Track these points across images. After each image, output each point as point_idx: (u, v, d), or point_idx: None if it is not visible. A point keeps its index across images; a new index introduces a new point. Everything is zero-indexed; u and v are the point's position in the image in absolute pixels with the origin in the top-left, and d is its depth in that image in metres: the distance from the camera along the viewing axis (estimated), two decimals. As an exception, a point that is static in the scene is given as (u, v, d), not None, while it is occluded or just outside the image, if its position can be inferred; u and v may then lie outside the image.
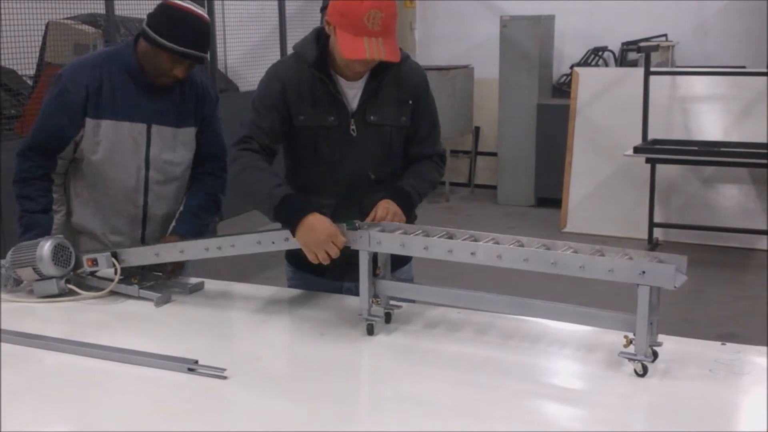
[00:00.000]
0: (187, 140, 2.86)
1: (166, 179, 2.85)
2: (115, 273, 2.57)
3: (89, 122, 2.73)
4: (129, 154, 2.77)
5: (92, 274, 2.63)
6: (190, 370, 2.01)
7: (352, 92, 2.49)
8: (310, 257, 2.26)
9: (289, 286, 2.71)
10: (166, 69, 2.69)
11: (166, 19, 2.66)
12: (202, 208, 2.90)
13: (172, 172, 2.85)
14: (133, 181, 2.79)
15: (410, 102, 2.53)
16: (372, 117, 2.49)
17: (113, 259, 2.57)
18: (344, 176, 2.51)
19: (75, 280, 2.61)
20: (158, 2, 2.74)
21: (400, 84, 2.51)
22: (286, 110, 2.47)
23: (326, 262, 2.24)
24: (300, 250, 2.29)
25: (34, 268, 2.55)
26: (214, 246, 2.46)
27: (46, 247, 2.54)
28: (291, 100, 2.46)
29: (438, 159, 2.65)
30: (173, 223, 2.86)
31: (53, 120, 2.74)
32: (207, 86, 2.93)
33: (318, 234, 2.23)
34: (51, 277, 2.55)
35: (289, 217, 2.28)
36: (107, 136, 2.74)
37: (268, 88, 2.49)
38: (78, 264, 2.61)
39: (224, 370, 1.99)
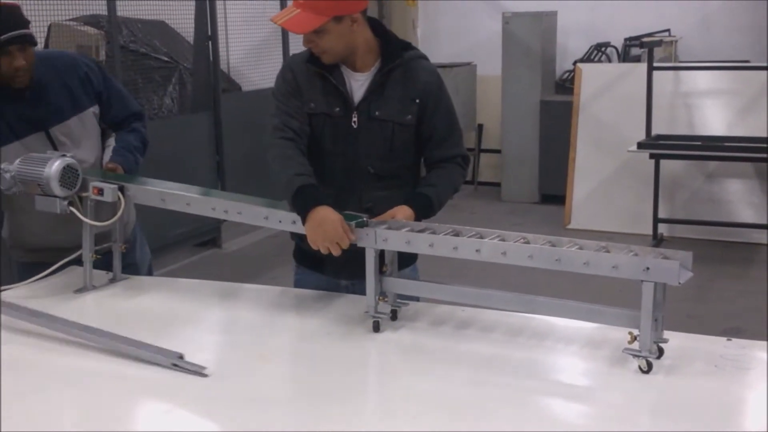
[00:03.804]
0: (90, 122, 2.88)
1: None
2: (118, 207, 2.56)
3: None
4: None
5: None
6: (174, 365, 2.01)
7: (358, 84, 2.51)
8: (312, 246, 2.27)
9: (295, 281, 2.72)
10: (8, 71, 2.65)
11: None
12: (136, 149, 2.91)
13: (84, 161, 2.78)
14: None
15: (417, 101, 2.52)
16: (377, 112, 2.50)
17: (119, 193, 2.55)
18: (343, 167, 2.53)
19: (77, 203, 2.57)
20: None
21: (407, 81, 2.52)
22: (301, 96, 2.51)
23: (326, 252, 2.26)
24: (304, 244, 2.31)
25: (39, 184, 2.52)
26: (221, 208, 2.46)
27: (54, 166, 2.50)
28: (303, 87, 2.51)
29: (461, 160, 2.63)
30: (109, 153, 2.83)
31: None
32: (87, 62, 2.93)
33: (324, 232, 2.24)
34: (55, 197, 2.53)
35: (301, 206, 2.30)
36: (16, 157, 2.66)
37: (282, 78, 2.56)
38: (84, 187, 2.58)
39: (205, 368, 2.00)
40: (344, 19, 2.40)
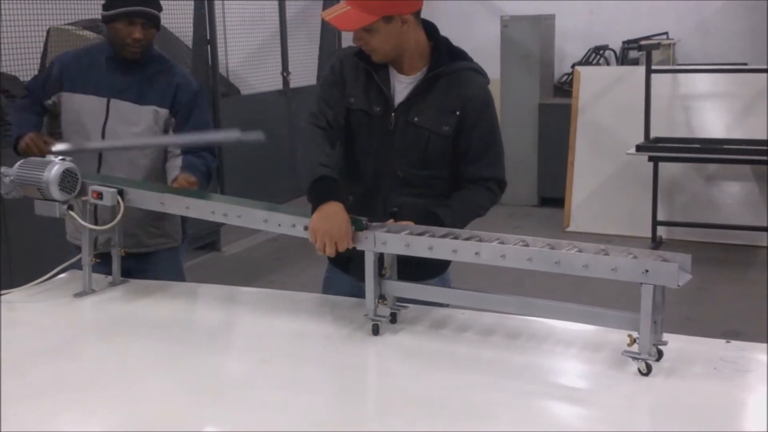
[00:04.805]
0: (147, 118, 3.03)
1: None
2: (117, 211, 2.55)
3: (66, 96, 3.07)
4: (89, 124, 3.04)
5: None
6: None
7: (402, 86, 2.49)
8: (311, 239, 2.27)
9: (324, 278, 2.70)
10: (125, 37, 2.96)
11: None
12: (202, 173, 3.00)
13: (128, 138, 3.02)
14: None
15: (457, 113, 2.46)
16: (415, 118, 2.46)
17: (118, 197, 2.55)
18: (373, 168, 2.51)
19: (77, 207, 2.57)
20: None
21: (452, 92, 2.47)
22: (343, 89, 2.51)
23: (321, 252, 2.26)
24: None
25: (38, 188, 2.52)
26: (220, 211, 2.47)
27: (54, 170, 2.51)
28: (347, 80, 2.51)
29: (494, 184, 2.54)
30: (176, 172, 2.94)
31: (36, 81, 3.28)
32: (188, 77, 3.18)
33: (329, 225, 2.24)
34: (54, 201, 2.53)
35: (317, 195, 2.30)
36: (76, 107, 3.06)
37: (330, 68, 2.58)
38: (83, 192, 2.58)
39: None
40: (394, 19, 2.38)
